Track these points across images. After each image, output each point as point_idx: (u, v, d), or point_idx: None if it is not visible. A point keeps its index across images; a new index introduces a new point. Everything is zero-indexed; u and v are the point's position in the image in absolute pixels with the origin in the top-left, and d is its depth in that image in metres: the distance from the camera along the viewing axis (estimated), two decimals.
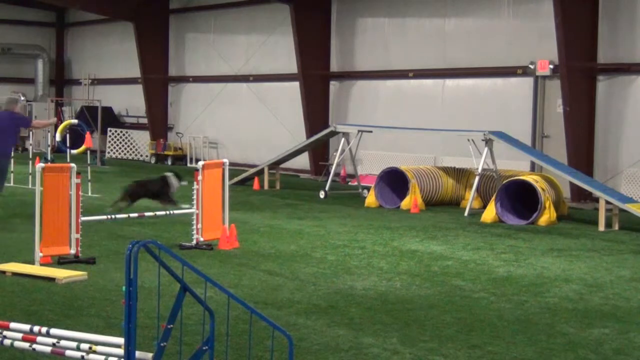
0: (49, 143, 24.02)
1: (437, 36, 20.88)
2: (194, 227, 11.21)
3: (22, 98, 32.17)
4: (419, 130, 19.42)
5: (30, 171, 18.08)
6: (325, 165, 22.19)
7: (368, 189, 17.57)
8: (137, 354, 4.80)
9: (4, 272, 9.22)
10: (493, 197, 15.03)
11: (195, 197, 11.21)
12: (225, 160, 11.85)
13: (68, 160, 16.59)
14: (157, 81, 28.70)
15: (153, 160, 28.26)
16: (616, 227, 14.05)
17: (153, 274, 8.51)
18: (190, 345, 6.05)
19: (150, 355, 4.92)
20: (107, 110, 30.02)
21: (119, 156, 29.54)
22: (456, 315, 7.80)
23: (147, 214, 11.70)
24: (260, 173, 20.17)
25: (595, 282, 9.52)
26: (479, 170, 15.92)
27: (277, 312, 7.73)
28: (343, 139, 18.68)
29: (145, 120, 29.30)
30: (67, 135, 19.22)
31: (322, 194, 18.10)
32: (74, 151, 19.52)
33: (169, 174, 12.73)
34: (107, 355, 5.10)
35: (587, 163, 17.68)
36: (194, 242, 11.20)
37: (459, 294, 8.72)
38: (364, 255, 10.95)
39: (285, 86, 24.50)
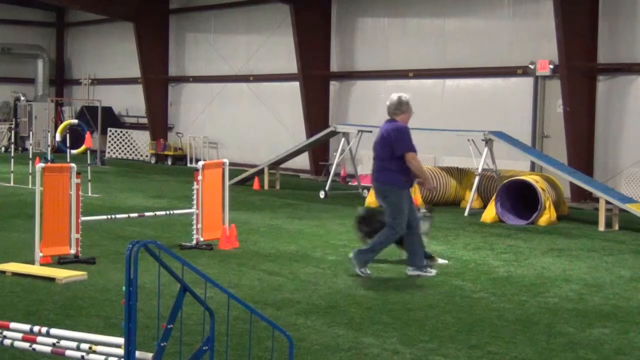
0: (49, 143, 24.04)
1: (437, 36, 20.87)
2: (194, 227, 11.22)
3: (22, 98, 32.24)
4: (419, 130, 19.33)
5: (30, 171, 18.07)
6: (325, 165, 22.18)
7: (368, 189, 17.56)
8: (137, 354, 4.79)
9: (4, 272, 9.21)
10: (493, 197, 15.02)
11: (195, 197, 11.22)
12: (225, 160, 11.85)
13: (68, 160, 16.61)
14: (157, 81, 28.69)
15: (153, 160, 28.27)
16: (616, 227, 14.04)
17: (153, 274, 8.50)
18: (190, 345, 6.05)
19: (150, 355, 4.91)
20: (107, 110, 30.02)
21: (119, 156, 29.54)
22: (456, 315, 7.79)
23: (147, 214, 11.71)
24: (260, 173, 20.17)
25: (595, 282, 9.51)
26: (479, 170, 15.92)
27: (277, 312, 7.73)
28: (343, 139, 18.68)
29: (145, 120, 29.29)
30: (67, 135, 19.24)
31: (322, 194, 18.10)
32: (74, 151, 19.56)
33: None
34: (107, 355, 5.10)
35: (587, 163, 17.67)
36: (194, 242, 11.20)
37: (459, 294, 8.72)
38: None
39: (285, 86, 24.49)
